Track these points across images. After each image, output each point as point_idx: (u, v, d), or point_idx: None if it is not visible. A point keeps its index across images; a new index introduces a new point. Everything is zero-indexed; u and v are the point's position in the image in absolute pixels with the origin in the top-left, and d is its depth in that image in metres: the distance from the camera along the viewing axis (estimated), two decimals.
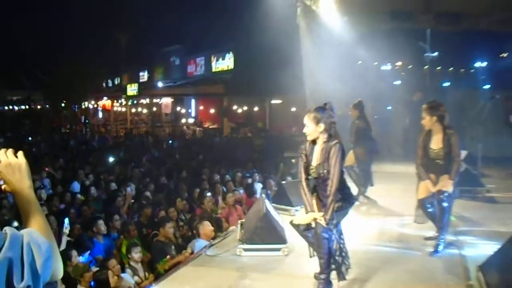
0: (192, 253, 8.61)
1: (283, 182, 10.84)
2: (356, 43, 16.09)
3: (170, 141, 30.86)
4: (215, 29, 42.18)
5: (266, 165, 19.15)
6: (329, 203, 5.81)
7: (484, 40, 24.51)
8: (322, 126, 5.94)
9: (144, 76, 52.87)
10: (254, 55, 34.60)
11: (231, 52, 39.78)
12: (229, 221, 11.66)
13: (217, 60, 41.76)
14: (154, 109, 49.79)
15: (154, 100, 47.76)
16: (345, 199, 6.06)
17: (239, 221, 8.88)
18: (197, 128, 40.88)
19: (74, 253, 8.83)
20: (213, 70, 42.09)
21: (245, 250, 7.37)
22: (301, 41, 14.61)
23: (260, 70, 33.40)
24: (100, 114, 55.31)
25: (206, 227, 9.46)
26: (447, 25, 16.85)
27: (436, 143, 7.72)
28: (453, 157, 7.64)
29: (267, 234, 7.46)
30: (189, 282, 6.59)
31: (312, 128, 6.00)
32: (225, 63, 40.78)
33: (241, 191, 14.02)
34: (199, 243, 9.06)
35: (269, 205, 8.25)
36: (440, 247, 7.60)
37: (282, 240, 7.45)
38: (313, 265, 6.16)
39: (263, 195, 9.21)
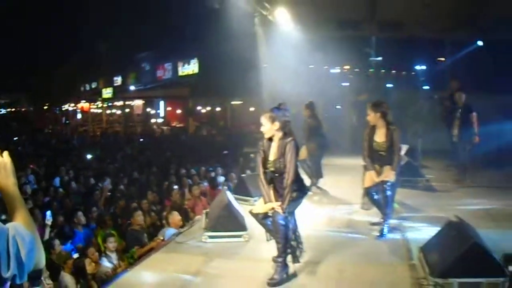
0: (163, 240, 8.61)
1: (243, 175, 10.81)
2: (309, 49, 16.17)
3: (141, 139, 30.68)
4: (182, 36, 42.04)
5: (228, 160, 19.15)
6: (286, 194, 5.85)
7: (423, 46, 24.80)
8: (277, 125, 5.97)
9: (118, 80, 52.52)
10: (217, 60, 34.60)
11: (196, 58, 39.71)
12: (195, 211, 11.64)
13: (183, 65, 41.63)
14: (127, 110, 49.54)
15: (127, 102, 47.58)
16: (300, 190, 6.10)
17: (204, 211, 8.85)
18: (165, 127, 40.74)
19: (57, 242, 8.79)
20: (180, 74, 41.95)
21: (210, 237, 7.36)
22: (258, 48, 14.64)
23: (222, 74, 33.40)
24: (79, 116, 54.70)
25: (175, 217, 9.45)
26: (389, 32, 16.99)
27: (379, 137, 7.79)
28: (394, 150, 7.71)
29: (229, 222, 7.46)
30: (161, 266, 6.57)
31: (268, 126, 6.02)
32: (190, 67, 40.64)
33: (206, 183, 14.03)
34: (169, 231, 9.06)
35: (230, 196, 8.27)
36: (385, 231, 7.67)
37: (243, 228, 7.45)
38: (271, 249, 6.16)
39: (225, 187, 9.26)
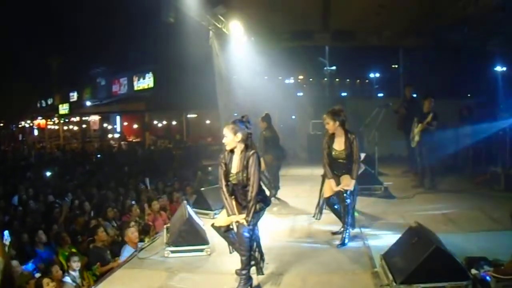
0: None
1: (202, 188, 10.86)
2: (263, 60, 16.31)
3: (99, 155, 30.37)
4: (137, 51, 41.91)
5: (185, 173, 19.15)
6: (251, 206, 5.91)
7: (377, 53, 25.21)
8: (239, 136, 6.01)
9: (74, 96, 52.10)
10: (172, 74, 34.73)
11: (150, 72, 39.71)
12: (156, 226, 11.65)
13: (138, 79, 41.59)
14: (84, 126, 49.16)
15: (83, 118, 47.18)
16: (262, 201, 6.15)
17: (165, 226, 8.87)
18: (122, 142, 40.47)
19: (15, 263, 8.69)
20: (135, 88, 41.90)
21: (172, 252, 7.37)
22: (213, 60, 14.73)
23: (177, 87, 33.50)
24: (36, 132, 53.82)
25: (132, 233, 9.44)
26: (343, 42, 17.22)
27: (338, 145, 7.86)
28: (354, 159, 7.79)
29: (190, 236, 7.46)
30: (124, 283, 6.54)
31: (230, 138, 6.05)
32: (145, 82, 40.71)
33: (165, 197, 14.02)
34: (127, 249, 9.10)
35: (190, 210, 8.29)
36: (346, 240, 7.72)
37: (205, 241, 7.47)
38: (234, 262, 6.23)
39: (184, 201, 9.28)
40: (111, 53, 47.49)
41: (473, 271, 5.84)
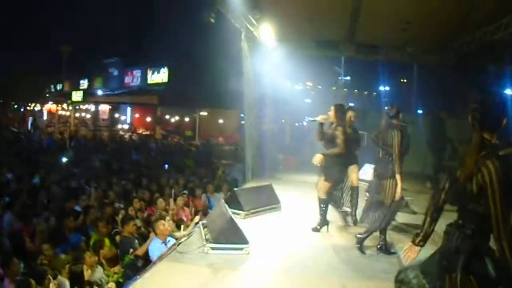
0: None
1: (235, 189, 11.03)
2: (287, 65, 16.43)
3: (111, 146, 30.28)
4: (153, 44, 42.11)
5: (202, 171, 19.19)
6: None
7: (390, 67, 25.27)
8: None
9: (84, 84, 52.17)
10: (187, 71, 34.78)
11: (166, 67, 39.77)
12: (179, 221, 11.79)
13: (152, 73, 41.65)
14: (89, 115, 49.53)
15: (93, 106, 47.30)
16: None
17: (201, 222, 9.01)
18: (129, 134, 40.37)
19: (46, 246, 8.80)
20: (149, 82, 41.98)
21: (212, 249, 7.50)
22: (243, 62, 14.83)
23: (191, 84, 33.55)
24: (45, 116, 53.79)
25: (161, 226, 9.56)
26: (366, 55, 17.32)
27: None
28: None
29: (232, 235, 7.60)
30: (168, 276, 6.66)
31: None
32: (160, 76, 40.76)
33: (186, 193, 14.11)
34: (155, 241, 9.25)
35: (229, 209, 8.48)
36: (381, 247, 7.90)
37: (245, 240, 7.60)
38: (273, 261, 6.52)
39: (222, 200, 9.45)
40: (126, 45, 47.77)
41: None
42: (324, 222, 9.10)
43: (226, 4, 12.06)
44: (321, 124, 8.96)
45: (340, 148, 8.56)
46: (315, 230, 9.08)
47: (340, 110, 8.88)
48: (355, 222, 9.43)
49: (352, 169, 9.62)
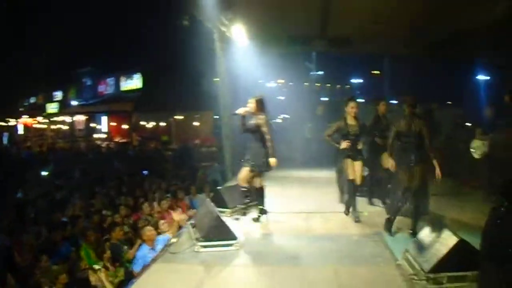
0: None
1: (219, 188, 11.21)
2: (258, 64, 16.49)
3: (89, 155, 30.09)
4: (125, 51, 41.89)
5: (182, 174, 19.21)
6: None
7: (361, 59, 25.49)
8: None
9: (58, 95, 51.80)
10: (161, 75, 34.73)
11: (139, 73, 39.67)
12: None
13: (125, 80, 41.54)
14: (67, 127, 49.16)
15: (68, 118, 47.02)
16: None
17: (189, 222, 9.14)
18: (106, 143, 40.16)
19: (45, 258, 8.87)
20: (122, 89, 41.84)
21: (203, 247, 7.62)
22: (217, 63, 14.92)
23: (166, 88, 33.52)
24: (21, 131, 53.22)
25: (147, 232, 9.71)
26: (338, 48, 17.41)
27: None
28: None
29: (220, 231, 7.74)
30: (163, 277, 6.78)
31: None
32: (133, 82, 40.63)
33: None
34: (143, 247, 9.41)
35: (214, 207, 8.64)
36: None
37: (233, 236, 7.77)
38: (263, 255, 6.76)
39: (208, 199, 9.61)
40: (98, 54, 47.42)
41: None
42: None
43: (199, 7, 12.16)
44: (243, 117, 9.18)
45: (268, 135, 9.03)
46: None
47: (261, 102, 9.22)
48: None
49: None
